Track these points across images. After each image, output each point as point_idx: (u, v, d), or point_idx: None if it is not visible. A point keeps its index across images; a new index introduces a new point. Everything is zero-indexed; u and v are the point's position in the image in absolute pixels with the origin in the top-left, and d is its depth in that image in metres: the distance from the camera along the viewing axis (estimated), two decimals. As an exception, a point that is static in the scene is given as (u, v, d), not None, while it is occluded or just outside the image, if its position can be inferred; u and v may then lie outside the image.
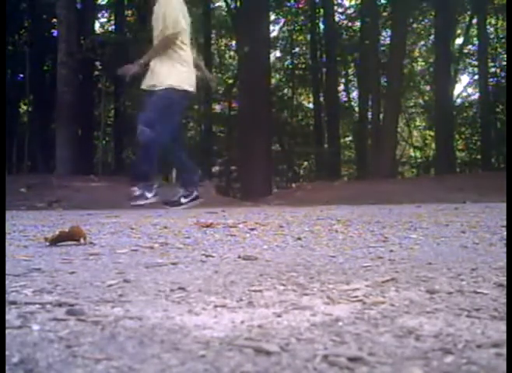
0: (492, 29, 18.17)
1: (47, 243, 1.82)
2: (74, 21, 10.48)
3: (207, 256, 1.56)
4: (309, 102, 20.36)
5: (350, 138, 20.79)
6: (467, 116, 19.66)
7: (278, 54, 20.78)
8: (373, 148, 13.02)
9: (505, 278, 1.12)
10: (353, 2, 18.73)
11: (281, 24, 20.13)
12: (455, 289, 1.02)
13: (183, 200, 4.53)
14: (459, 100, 20.70)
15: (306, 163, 20.29)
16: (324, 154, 15.77)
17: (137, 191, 4.37)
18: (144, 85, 4.52)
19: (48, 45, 12.79)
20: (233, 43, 18.91)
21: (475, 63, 18.12)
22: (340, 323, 0.78)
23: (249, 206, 4.65)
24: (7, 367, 0.59)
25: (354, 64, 19.30)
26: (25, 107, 14.89)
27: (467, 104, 20.45)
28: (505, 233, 2.04)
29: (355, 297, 0.96)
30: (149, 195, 4.37)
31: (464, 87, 24.76)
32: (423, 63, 20.83)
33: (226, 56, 20.94)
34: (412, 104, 21.45)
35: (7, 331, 0.73)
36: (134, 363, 0.61)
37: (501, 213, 3.01)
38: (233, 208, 4.25)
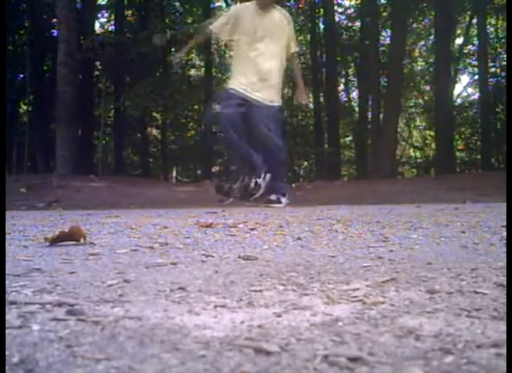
0: (492, 29, 18.16)
1: (47, 243, 1.82)
2: (74, 21, 10.48)
3: (207, 256, 1.56)
4: (309, 102, 20.34)
5: (350, 138, 20.77)
6: (467, 116, 19.65)
7: (278, 54, 20.74)
8: (373, 148, 13.02)
9: (505, 278, 1.12)
10: (353, 2, 18.73)
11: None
12: (455, 289, 1.02)
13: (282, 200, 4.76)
14: (459, 100, 20.68)
15: (306, 163, 20.26)
16: (324, 154, 15.75)
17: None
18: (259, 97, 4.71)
19: (48, 45, 12.79)
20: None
21: (475, 63, 18.10)
22: (340, 323, 0.78)
23: (249, 206, 4.65)
24: (7, 367, 0.59)
25: (354, 64, 19.29)
26: (25, 107, 14.89)
27: (467, 104, 20.44)
28: (505, 233, 2.04)
29: (355, 297, 0.96)
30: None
31: (464, 87, 24.77)
32: (423, 63, 20.82)
33: (226, 56, 20.93)
34: (412, 104, 21.43)
35: (7, 331, 0.73)
36: (134, 363, 0.61)
37: (501, 213, 3.01)
38: (233, 208, 4.24)
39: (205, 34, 5.04)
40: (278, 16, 4.70)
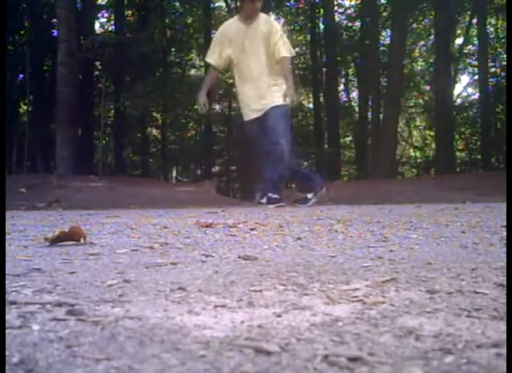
0: (492, 29, 18.17)
1: (47, 243, 1.82)
2: (74, 21, 10.47)
3: (207, 256, 1.56)
4: (309, 102, 20.35)
5: (350, 138, 20.78)
6: (467, 116, 19.65)
7: (278, 54, 20.74)
8: (373, 148, 13.02)
9: (505, 278, 1.12)
10: (353, 2, 18.74)
11: (281, 24, 20.14)
12: (455, 289, 1.02)
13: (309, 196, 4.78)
14: (459, 100, 20.69)
15: (306, 163, 20.26)
16: (324, 154, 15.75)
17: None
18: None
19: (48, 45, 12.77)
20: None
21: (475, 63, 18.11)
22: (340, 323, 0.78)
23: (249, 206, 4.65)
24: (7, 367, 0.59)
25: (354, 64, 19.30)
26: (25, 107, 14.88)
27: (467, 104, 20.45)
28: (505, 233, 2.04)
29: (355, 297, 0.96)
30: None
31: (464, 87, 24.81)
32: (423, 63, 20.83)
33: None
34: (412, 104, 21.43)
35: (7, 331, 0.73)
36: (134, 363, 0.61)
37: (501, 213, 3.01)
38: (233, 208, 4.24)
39: (214, 72, 4.92)
40: (264, 23, 4.61)
